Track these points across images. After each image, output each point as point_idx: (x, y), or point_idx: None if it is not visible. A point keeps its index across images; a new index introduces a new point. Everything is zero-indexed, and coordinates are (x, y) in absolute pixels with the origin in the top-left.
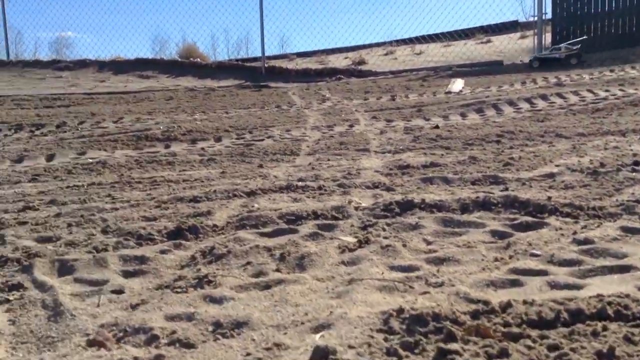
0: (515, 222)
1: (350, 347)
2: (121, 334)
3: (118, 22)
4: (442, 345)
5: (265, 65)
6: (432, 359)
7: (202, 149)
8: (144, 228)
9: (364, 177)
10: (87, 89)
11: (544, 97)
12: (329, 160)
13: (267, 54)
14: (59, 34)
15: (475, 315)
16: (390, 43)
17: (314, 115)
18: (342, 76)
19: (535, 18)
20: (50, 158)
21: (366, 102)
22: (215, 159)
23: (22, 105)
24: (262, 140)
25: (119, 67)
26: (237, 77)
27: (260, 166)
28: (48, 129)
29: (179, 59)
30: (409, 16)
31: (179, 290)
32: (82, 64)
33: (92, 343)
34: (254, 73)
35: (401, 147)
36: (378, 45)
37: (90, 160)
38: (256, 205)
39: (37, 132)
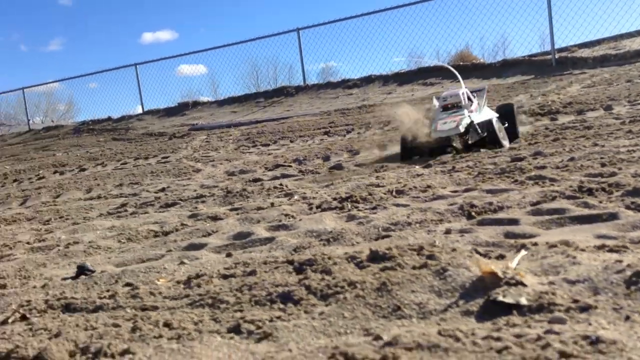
0: None
1: None
2: None
3: (372, 46)
4: None
5: (556, 57)
6: None
7: (613, 113)
8: None
9: None
10: (377, 102)
11: None
12: None
13: (533, 51)
14: (324, 64)
15: None
16: None
17: None
18: None
19: None
20: None
21: None
22: None
23: (347, 114)
24: None
25: (402, 78)
26: (524, 73)
27: None
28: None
29: (461, 63)
30: None
31: None
32: (368, 80)
33: None
34: (542, 66)
35: None
36: None
37: None
38: None
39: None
